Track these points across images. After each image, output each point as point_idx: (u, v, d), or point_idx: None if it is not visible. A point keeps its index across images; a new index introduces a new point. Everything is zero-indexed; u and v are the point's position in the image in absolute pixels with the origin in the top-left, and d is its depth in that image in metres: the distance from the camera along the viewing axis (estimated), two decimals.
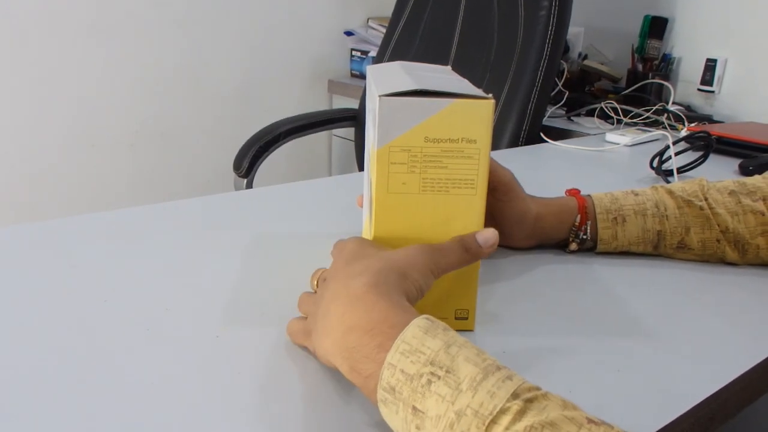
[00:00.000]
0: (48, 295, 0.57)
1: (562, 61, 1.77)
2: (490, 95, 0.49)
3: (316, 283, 0.53)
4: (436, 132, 0.48)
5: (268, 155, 1.64)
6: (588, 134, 1.49)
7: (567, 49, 1.88)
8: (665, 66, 1.83)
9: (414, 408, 0.36)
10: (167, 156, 2.00)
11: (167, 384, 0.46)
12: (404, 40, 1.73)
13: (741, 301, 0.63)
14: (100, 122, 1.85)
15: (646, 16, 1.87)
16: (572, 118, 1.66)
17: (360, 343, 0.40)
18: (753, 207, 0.69)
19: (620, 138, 1.32)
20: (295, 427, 0.42)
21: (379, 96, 0.47)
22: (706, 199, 0.69)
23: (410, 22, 1.73)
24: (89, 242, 0.68)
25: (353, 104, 1.93)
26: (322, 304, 0.46)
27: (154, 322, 0.53)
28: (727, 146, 1.29)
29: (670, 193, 0.71)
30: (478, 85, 1.55)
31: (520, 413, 0.33)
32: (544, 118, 1.56)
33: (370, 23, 2.30)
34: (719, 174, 1.11)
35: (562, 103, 1.72)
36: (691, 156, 1.11)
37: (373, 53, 2.18)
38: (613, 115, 1.59)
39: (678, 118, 1.57)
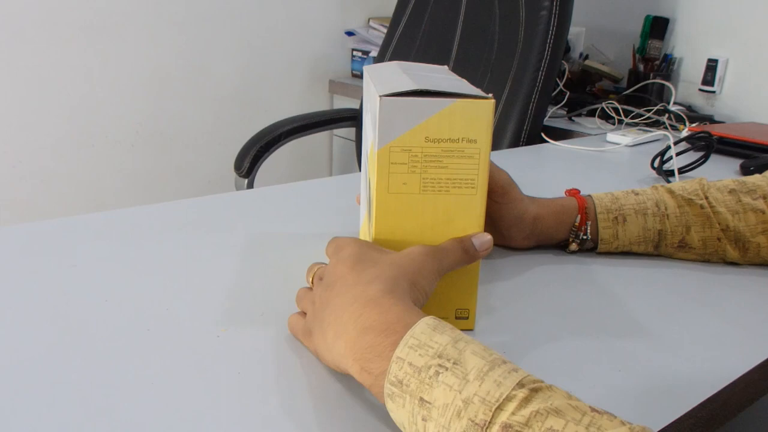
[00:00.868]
0: (48, 295, 0.57)
1: (563, 61, 1.77)
2: (490, 95, 0.49)
3: (311, 279, 0.53)
4: (436, 132, 0.48)
5: (268, 155, 1.64)
6: (589, 134, 1.49)
7: (568, 49, 1.87)
8: (666, 66, 1.83)
9: (421, 399, 0.37)
10: (168, 156, 2.00)
11: (168, 383, 0.46)
12: (405, 40, 1.73)
13: (741, 301, 0.63)
14: (100, 122, 1.85)
15: (647, 17, 1.86)
16: (573, 118, 1.65)
17: (375, 342, 0.41)
18: (753, 205, 0.69)
19: (621, 138, 1.32)
20: (296, 426, 0.42)
21: (380, 96, 0.47)
22: (706, 198, 0.69)
23: (411, 22, 1.73)
24: (90, 242, 0.68)
25: (354, 104, 1.93)
26: (328, 308, 0.46)
27: (154, 321, 0.53)
28: (728, 146, 1.29)
29: (671, 192, 0.71)
30: (478, 85, 1.55)
31: (526, 401, 0.34)
32: (545, 119, 1.56)
33: (371, 23, 2.30)
34: (720, 174, 1.11)
35: (563, 103, 1.72)
36: (692, 156, 1.10)
37: (374, 53, 2.18)
38: (614, 115, 1.59)
39: (679, 119, 1.57)
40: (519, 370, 0.37)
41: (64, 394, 0.44)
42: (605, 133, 1.38)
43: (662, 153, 1.06)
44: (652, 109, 1.58)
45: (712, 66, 1.77)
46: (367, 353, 0.41)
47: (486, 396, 0.35)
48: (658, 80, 1.80)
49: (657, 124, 1.54)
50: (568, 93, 1.74)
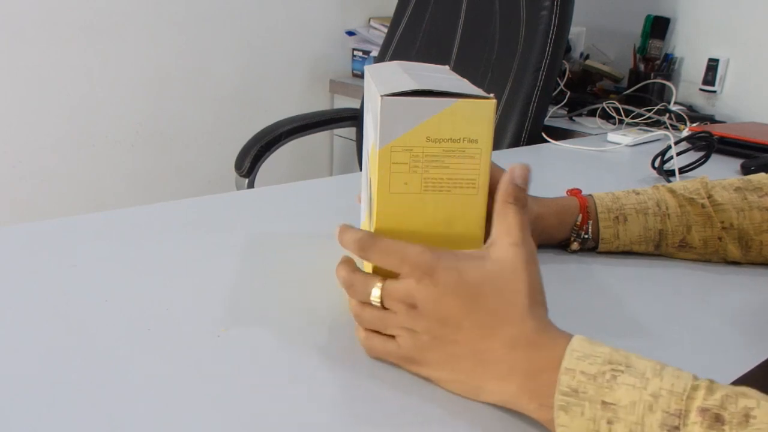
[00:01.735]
0: (48, 295, 0.57)
1: (563, 61, 1.77)
2: (492, 95, 0.48)
3: (380, 299, 0.48)
4: (437, 132, 0.48)
5: (269, 155, 1.64)
6: (590, 134, 1.49)
7: (569, 49, 1.87)
8: (667, 66, 1.83)
9: (603, 402, 0.38)
10: (168, 156, 2.00)
11: (168, 383, 0.45)
12: (406, 40, 1.73)
13: (741, 301, 0.63)
14: (100, 122, 1.85)
15: (647, 16, 1.86)
16: (574, 118, 1.65)
17: (551, 380, 0.40)
18: (759, 203, 0.69)
19: (622, 138, 1.32)
20: (296, 426, 0.42)
21: (381, 96, 0.47)
22: (709, 197, 0.69)
23: (412, 22, 1.73)
24: (90, 242, 0.68)
25: (355, 104, 1.93)
26: (458, 346, 0.45)
27: (154, 321, 0.53)
28: (729, 146, 1.29)
29: (672, 191, 0.71)
30: (479, 85, 1.55)
31: (710, 388, 0.37)
32: (546, 118, 1.56)
33: (372, 23, 2.30)
34: (721, 174, 1.10)
35: (563, 103, 1.72)
36: (692, 156, 1.10)
37: (374, 53, 2.18)
38: (614, 115, 1.59)
39: (680, 118, 1.57)
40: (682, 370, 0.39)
41: (64, 394, 0.44)
42: (606, 133, 1.38)
43: (663, 153, 1.06)
44: (652, 109, 1.58)
45: (712, 66, 1.77)
46: (546, 389, 0.41)
47: (672, 388, 0.37)
48: (658, 80, 1.79)
49: (658, 124, 1.54)
50: (568, 93, 1.74)
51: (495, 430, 0.43)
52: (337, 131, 2.31)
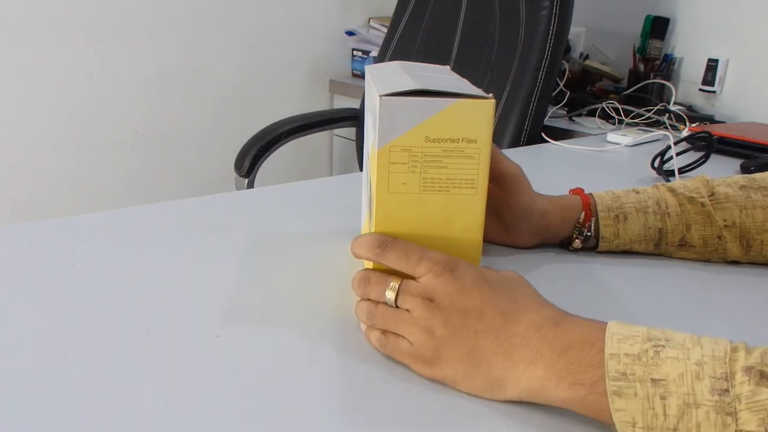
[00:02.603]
0: (48, 295, 0.57)
1: (563, 61, 1.77)
2: (491, 95, 0.49)
3: (396, 297, 0.48)
4: (436, 132, 0.48)
5: (269, 155, 1.64)
6: (589, 134, 1.49)
7: (568, 49, 1.87)
8: (666, 66, 1.83)
9: (653, 380, 0.38)
10: (168, 156, 2.00)
11: (168, 383, 0.46)
12: (405, 40, 1.73)
13: (741, 300, 0.63)
14: (100, 122, 1.85)
15: (647, 17, 1.86)
16: (573, 118, 1.65)
17: (581, 355, 0.41)
18: (763, 202, 0.69)
19: (621, 138, 1.32)
20: (296, 426, 0.42)
21: (380, 96, 0.47)
22: (712, 194, 0.69)
23: (411, 22, 1.73)
24: (90, 242, 0.68)
25: (354, 104, 1.93)
26: (480, 335, 0.45)
27: (154, 321, 0.53)
28: (728, 146, 1.29)
29: (672, 190, 0.71)
30: (478, 85, 1.55)
31: (747, 349, 0.38)
32: (546, 118, 1.56)
33: (372, 23, 2.30)
34: (720, 174, 1.10)
35: (563, 103, 1.72)
36: (692, 156, 1.10)
37: (374, 53, 2.18)
38: (614, 115, 1.59)
39: (679, 119, 1.57)
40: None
41: (64, 394, 0.44)
42: (605, 133, 1.38)
43: (662, 153, 1.06)
44: (652, 109, 1.58)
45: (712, 66, 1.77)
46: (575, 367, 0.41)
47: (713, 354, 0.38)
48: (658, 80, 1.80)
49: (657, 124, 1.54)
50: (568, 93, 1.74)
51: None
52: (336, 131, 2.31)
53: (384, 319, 0.49)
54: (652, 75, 1.81)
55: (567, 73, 1.80)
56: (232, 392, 0.45)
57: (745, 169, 1.16)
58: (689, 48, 1.85)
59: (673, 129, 1.50)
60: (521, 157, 1.21)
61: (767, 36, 1.70)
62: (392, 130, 0.48)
